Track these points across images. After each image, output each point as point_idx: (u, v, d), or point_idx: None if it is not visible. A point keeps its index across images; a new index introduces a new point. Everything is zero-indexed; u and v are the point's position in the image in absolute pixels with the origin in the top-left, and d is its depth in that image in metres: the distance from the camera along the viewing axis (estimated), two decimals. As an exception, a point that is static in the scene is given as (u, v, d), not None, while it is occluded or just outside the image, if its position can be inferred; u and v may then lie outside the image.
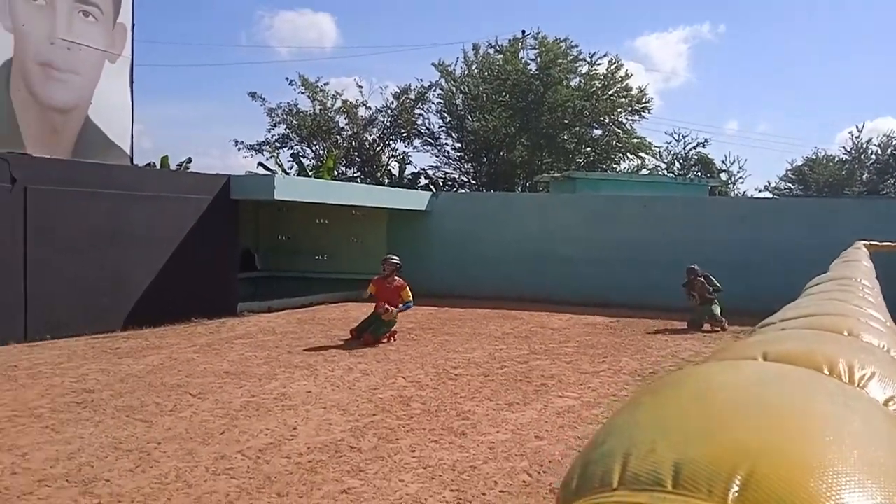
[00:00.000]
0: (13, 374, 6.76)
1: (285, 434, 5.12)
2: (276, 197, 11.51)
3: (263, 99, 28.79)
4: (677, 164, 32.58)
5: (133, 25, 12.79)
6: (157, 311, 9.99)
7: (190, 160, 26.35)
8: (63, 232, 9.12)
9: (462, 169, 30.43)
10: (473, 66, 29.09)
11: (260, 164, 27.43)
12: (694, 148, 32.33)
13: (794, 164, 39.06)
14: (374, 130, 29.59)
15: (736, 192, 33.76)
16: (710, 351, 8.88)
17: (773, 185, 39.43)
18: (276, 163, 27.29)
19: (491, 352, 8.59)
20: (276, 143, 29.10)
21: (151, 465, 4.44)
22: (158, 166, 20.59)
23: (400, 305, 9.23)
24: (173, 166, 22.78)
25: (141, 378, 6.75)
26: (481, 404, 6.07)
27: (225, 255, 11.53)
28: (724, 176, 32.95)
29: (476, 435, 5.20)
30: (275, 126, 29.12)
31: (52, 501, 3.84)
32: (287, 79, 30.15)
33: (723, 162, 34.15)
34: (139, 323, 9.73)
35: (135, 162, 13.41)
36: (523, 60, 28.74)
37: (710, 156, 32.64)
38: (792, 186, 38.87)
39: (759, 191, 38.40)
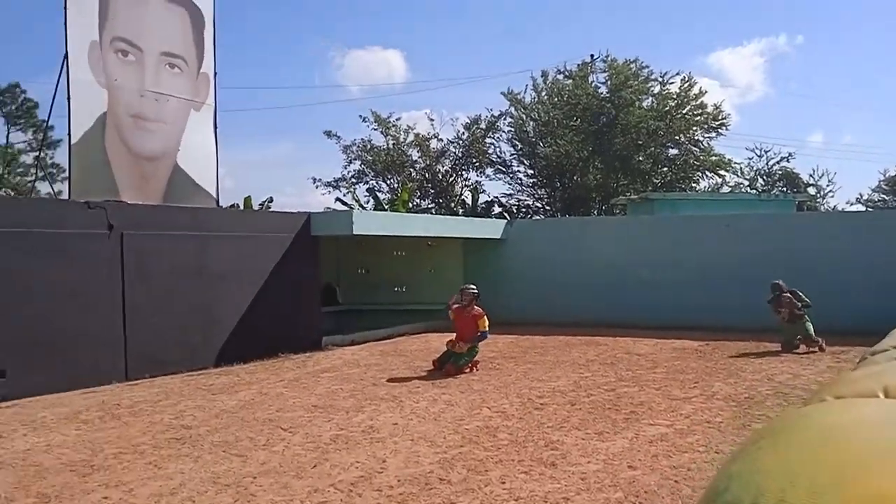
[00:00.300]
0: (117, 413, 7.09)
1: (375, 467, 5.14)
2: (354, 232, 11.74)
3: (338, 136, 29.69)
4: (761, 181, 31.48)
5: (215, 74, 13.41)
6: (247, 348, 10.32)
7: (271, 199, 27.32)
8: (157, 274, 9.56)
9: (535, 195, 30.36)
10: (543, 93, 29.13)
11: (338, 199, 28.21)
12: (777, 163, 31.20)
13: (887, 175, 37.08)
14: (447, 161, 29.97)
15: (826, 206, 32.30)
16: (809, 373, 8.44)
17: (865, 197, 37.52)
18: (353, 198, 27.95)
19: (576, 380, 8.42)
20: (353, 179, 29.87)
21: (249, 499, 4.53)
22: (241, 206, 21.39)
23: (478, 334, 9.21)
24: (255, 206, 23.62)
25: (234, 413, 6.96)
26: (570, 434, 5.95)
27: (308, 290, 11.83)
28: (811, 190, 31.62)
29: (566, 465, 5.09)
30: (350, 162, 29.94)
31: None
32: (360, 116, 31.08)
33: (810, 175, 32.80)
34: (230, 359, 10.07)
35: (220, 203, 13.98)
36: (593, 84, 28.58)
37: (795, 170, 31.41)
38: (886, 198, 36.88)
39: (851, 204, 36.60)
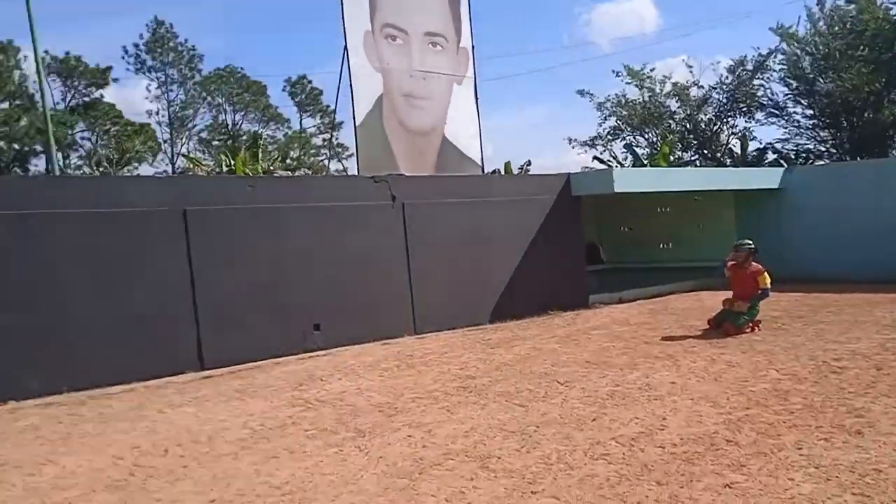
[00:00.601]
0: (411, 362, 7.93)
1: (655, 424, 5.11)
2: (615, 190, 11.60)
3: (591, 94, 29.29)
4: None
5: (473, 48, 14.01)
6: (517, 305, 10.84)
7: (529, 163, 28.04)
8: (434, 239, 10.37)
9: (817, 138, 27.07)
10: (820, 23, 25.68)
11: (595, 157, 27.95)
12: None
13: None
14: (710, 109, 28.04)
15: None
16: None
17: None
18: (611, 155, 27.52)
19: (881, 342, 7.49)
20: (608, 136, 29.35)
21: (534, 446, 4.80)
22: (502, 172, 22.19)
23: (758, 292, 8.59)
24: (514, 170, 24.34)
25: (512, 366, 7.38)
26: (877, 401, 5.34)
27: (572, 249, 11.97)
28: None
29: (876, 435, 4.59)
30: (605, 119, 29.42)
31: (457, 472, 4.39)
32: (613, 71, 30.41)
33: None
34: (503, 316, 10.69)
35: (484, 170, 14.66)
36: (882, 6, 24.48)
37: None
38: None
39: None
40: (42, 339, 7.34)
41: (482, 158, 14.10)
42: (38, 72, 16.30)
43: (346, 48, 12.37)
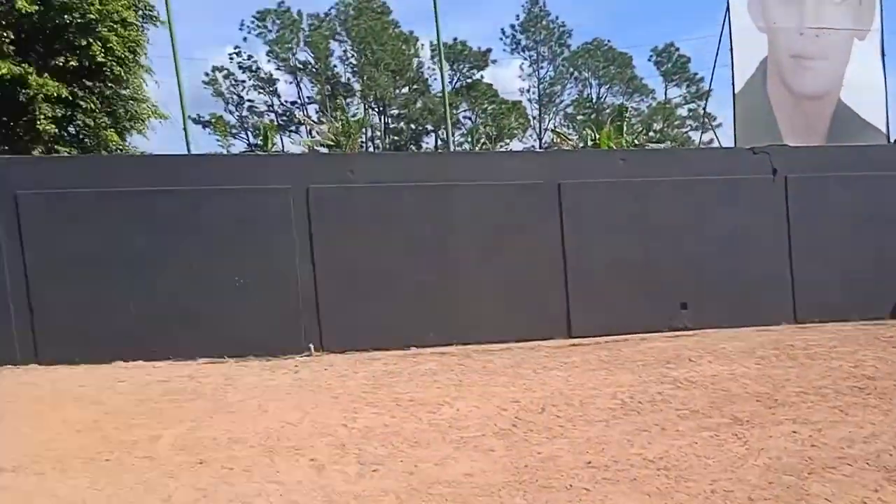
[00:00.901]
0: (792, 353, 7.23)
1: None
2: None
3: None
4: None
5: (882, -6, 12.06)
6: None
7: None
8: (821, 218, 9.23)
9: None
10: None
11: None
12: None
13: None
14: None
15: None
16: None
17: None
18: None
19: None
20: None
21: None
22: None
23: None
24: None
25: (926, 372, 6.26)
26: None
27: None
28: None
29: None
30: None
31: (856, 479, 3.91)
32: None
33: None
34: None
35: (889, 138, 12.58)
36: None
37: None
38: None
39: None
40: (438, 295, 8.42)
41: (888, 125, 12.11)
42: (439, 60, 18.51)
43: (727, 9, 11.67)
